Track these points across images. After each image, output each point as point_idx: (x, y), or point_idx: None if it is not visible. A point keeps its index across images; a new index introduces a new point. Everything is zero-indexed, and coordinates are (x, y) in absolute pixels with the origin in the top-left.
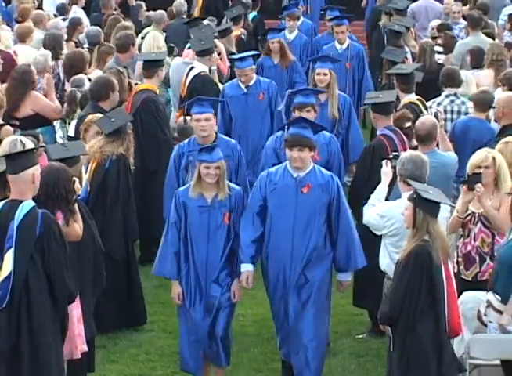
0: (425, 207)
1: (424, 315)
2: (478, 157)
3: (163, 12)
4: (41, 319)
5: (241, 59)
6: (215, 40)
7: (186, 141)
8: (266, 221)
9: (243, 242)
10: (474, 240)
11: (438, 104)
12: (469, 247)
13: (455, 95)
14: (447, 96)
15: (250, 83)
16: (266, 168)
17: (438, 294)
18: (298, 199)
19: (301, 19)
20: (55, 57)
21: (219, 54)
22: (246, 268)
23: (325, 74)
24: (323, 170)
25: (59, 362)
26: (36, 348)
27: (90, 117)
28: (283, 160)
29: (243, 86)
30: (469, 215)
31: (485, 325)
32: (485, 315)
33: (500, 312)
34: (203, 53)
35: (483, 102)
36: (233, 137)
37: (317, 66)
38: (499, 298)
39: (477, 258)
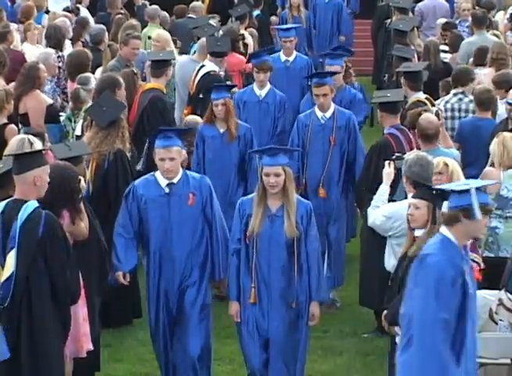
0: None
1: None
2: None
3: (156, 7)
4: (42, 319)
5: (164, 134)
6: (244, 32)
7: None
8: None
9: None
10: None
11: (446, 102)
12: None
13: (463, 93)
14: (455, 95)
15: (175, 179)
16: None
17: None
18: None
19: (294, 53)
20: (60, 49)
21: (246, 45)
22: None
23: (277, 175)
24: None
25: (60, 363)
26: (36, 349)
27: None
28: None
29: (163, 183)
30: None
31: (496, 323)
32: (496, 313)
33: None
34: (216, 54)
35: (488, 101)
36: (150, 272)
37: (265, 164)
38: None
39: None
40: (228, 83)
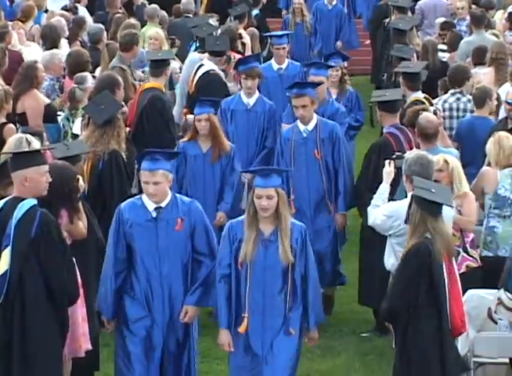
0: (423, 206)
1: (426, 313)
2: None
3: (155, 6)
4: (35, 318)
5: (151, 156)
6: (242, 31)
7: None
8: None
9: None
10: None
11: (444, 101)
12: None
13: (460, 92)
14: (453, 94)
15: (163, 203)
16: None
17: (439, 292)
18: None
19: (286, 60)
20: (56, 48)
21: (244, 44)
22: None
23: (270, 198)
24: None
25: (57, 363)
26: (28, 347)
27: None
28: None
29: (150, 207)
30: None
31: (495, 322)
32: (495, 312)
33: (511, 310)
34: (215, 54)
35: (484, 99)
36: (137, 292)
37: (257, 185)
38: (511, 296)
39: None
40: (214, 98)
